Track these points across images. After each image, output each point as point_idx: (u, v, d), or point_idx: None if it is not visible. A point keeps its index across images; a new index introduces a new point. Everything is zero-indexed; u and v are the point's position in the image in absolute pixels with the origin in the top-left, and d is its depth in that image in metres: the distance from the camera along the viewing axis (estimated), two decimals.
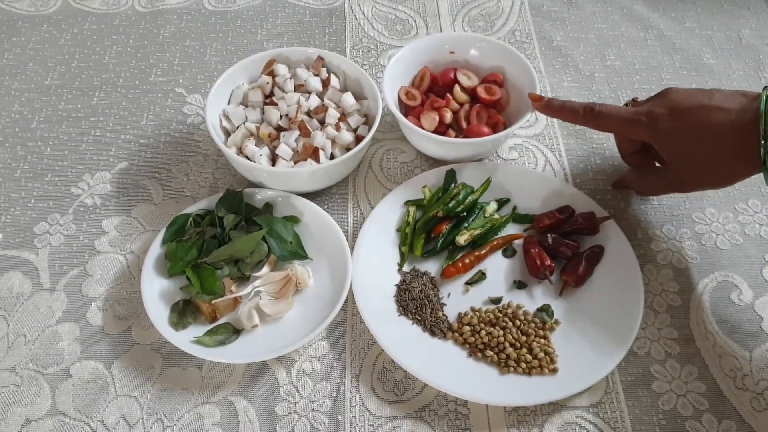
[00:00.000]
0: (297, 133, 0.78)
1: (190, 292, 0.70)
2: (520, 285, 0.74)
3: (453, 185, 0.79)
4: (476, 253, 0.75)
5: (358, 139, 0.79)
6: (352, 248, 0.73)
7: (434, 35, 0.98)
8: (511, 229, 0.78)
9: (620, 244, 0.73)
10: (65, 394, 0.66)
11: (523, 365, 0.66)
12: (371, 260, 0.73)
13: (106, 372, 0.68)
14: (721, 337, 0.71)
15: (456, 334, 0.69)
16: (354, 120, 0.80)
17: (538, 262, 0.72)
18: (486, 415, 0.65)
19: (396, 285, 0.73)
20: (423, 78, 0.86)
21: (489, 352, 0.67)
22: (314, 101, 0.81)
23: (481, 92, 0.84)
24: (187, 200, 0.81)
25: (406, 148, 0.87)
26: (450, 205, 0.76)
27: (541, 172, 0.84)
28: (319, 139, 0.76)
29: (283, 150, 0.76)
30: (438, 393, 0.66)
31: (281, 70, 0.83)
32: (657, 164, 0.75)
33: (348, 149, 0.78)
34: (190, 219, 0.74)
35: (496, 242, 0.76)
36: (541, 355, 0.67)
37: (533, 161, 0.86)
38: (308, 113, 0.80)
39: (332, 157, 0.78)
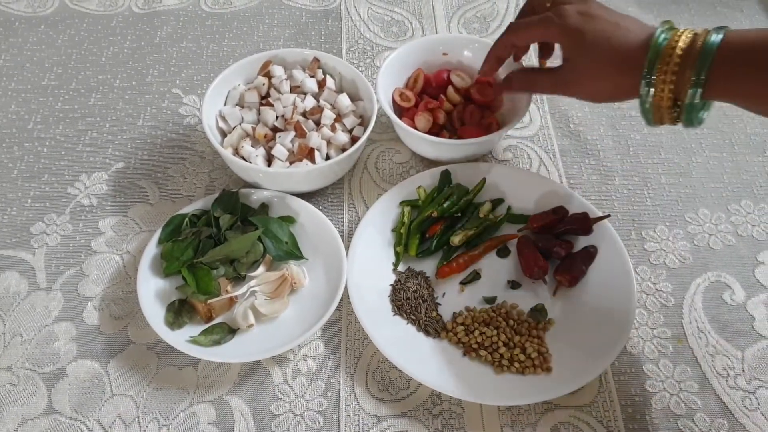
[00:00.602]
0: (293, 133, 0.78)
1: (185, 292, 0.70)
2: (514, 285, 0.74)
3: (448, 186, 0.80)
4: (471, 254, 0.75)
5: (354, 140, 0.80)
6: (347, 248, 0.73)
7: (427, 37, 0.98)
8: (506, 229, 0.79)
9: (614, 244, 0.74)
10: (61, 393, 0.66)
11: (517, 365, 0.67)
12: (366, 260, 0.73)
13: (102, 371, 0.68)
14: (714, 336, 0.71)
15: (450, 334, 0.69)
16: (349, 121, 0.81)
17: (532, 262, 0.72)
18: (480, 414, 0.66)
19: (391, 285, 0.73)
20: (416, 79, 0.86)
21: (483, 352, 0.68)
22: (310, 102, 0.81)
23: (474, 93, 0.84)
24: (184, 200, 0.81)
25: (401, 149, 0.87)
26: (445, 205, 0.76)
27: (536, 173, 0.84)
28: (315, 139, 0.77)
29: (279, 151, 0.76)
30: (432, 392, 0.67)
31: (277, 71, 0.83)
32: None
33: (343, 150, 0.79)
34: (186, 219, 0.74)
35: (490, 242, 0.77)
36: (535, 354, 0.67)
37: (527, 162, 0.86)
38: (304, 114, 0.80)
39: (328, 157, 0.79)
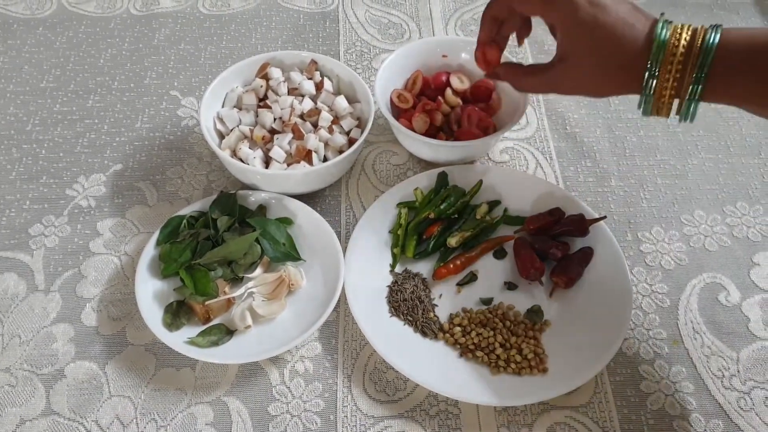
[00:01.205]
0: (290, 135, 0.78)
1: (183, 294, 0.70)
2: (510, 286, 0.74)
3: (445, 187, 0.80)
4: (467, 255, 0.75)
5: (351, 142, 0.80)
6: (344, 250, 0.73)
7: (426, 39, 0.98)
8: (502, 231, 0.79)
9: (610, 245, 0.74)
10: (60, 394, 0.67)
11: (513, 366, 0.67)
12: (364, 261, 0.74)
13: (101, 372, 0.68)
14: (709, 337, 0.72)
15: (447, 335, 0.70)
16: (347, 123, 0.81)
17: (529, 263, 0.73)
18: (476, 415, 0.66)
19: (388, 286, 0.74)
20: (415, 81, 0.87)
21: (479, 353, 0.68)
22: (307, 104, 0.81)
23: (472, 95, 0.85)
24: (181, 202, 0.82)
25: (399, 150, 0.87)
26: (442, 207, 0.77)
27: (532, 175, 0.85)
28: (312, 141, 0.77)
29: (277, 152, 0.77)
30: (429, 393, 0.67)
31: (275, 73, 0.84)
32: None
33: (341, 152, 0.79)
34: (184, 221, 0.75)
35: (487, 244, 0.77)
36: (531, 355, 0.67)
37: (524, 164, 0.87)
38: (301, 116, 0.81)
39: (325, 159, 0.79)
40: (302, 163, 0.76)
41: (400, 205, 0.79)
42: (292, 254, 0.74)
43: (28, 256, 0.77)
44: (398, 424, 0.65)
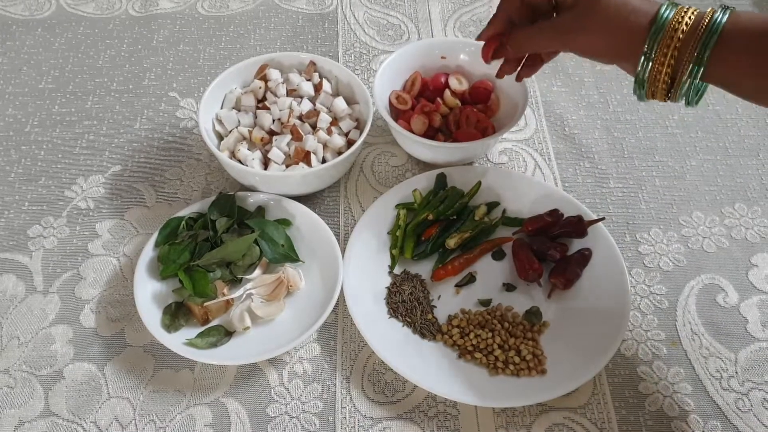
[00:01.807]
0: (289, 137, 0.78)
1: (182, 295, 0.70)
2: (509, 287, 0.74)
3: (443, 189, 0.80)
4: (466, 256, 0.76)
5: (350, 143, 0.80)
6: (343, 251, 0.74)
7: (425, 40, 0.98)
8: (501, 232, 0.79)
9: (608, 247, 0.74)
10: (58, 395, 0.67)
11: (512, 367, 0.67)
12: (362, 263, 0.74)
13: (99, 374, 0.68)
14: (707, 338, 0.72)
15: (446, 336, 0.70)
16: (346, 124, 0.81)
17: (527, 264, 0.73)
18: (475, 416, 0.66)
19: (387, 287, 0.74)
20: (414, 82, 0.87)
21: (478, 354, 0.68)
22: (306, 105, 0.82)
23: (471, 96, 0.85)
24: (180, 203, 0.82)
25: (397, 151, 0.88)
26: (440, 208, 0.77)
27: (531, 176, 0.85)
28: (311, 143, 0.77)
29: (275, 154, 0.77)
30: (428, 394, 0.67)
31: (274, 74, 0.84)
32: None
33: (339, 153, 0.79)
34: (183, 222, 0.75)
35: (485, 245, 0.77)
36: (530, 356, 0.67)
37: (523, 165, 0.87)
38: (300, 117, 0.81)
39: (324, 160, 0.79)
40: (301, 164, 0.76)
41: (398, 206, 0.79)
42: (290, 255, 0.74)
43: (26, 257, 0.77)
44: (397, 426, 0.65)
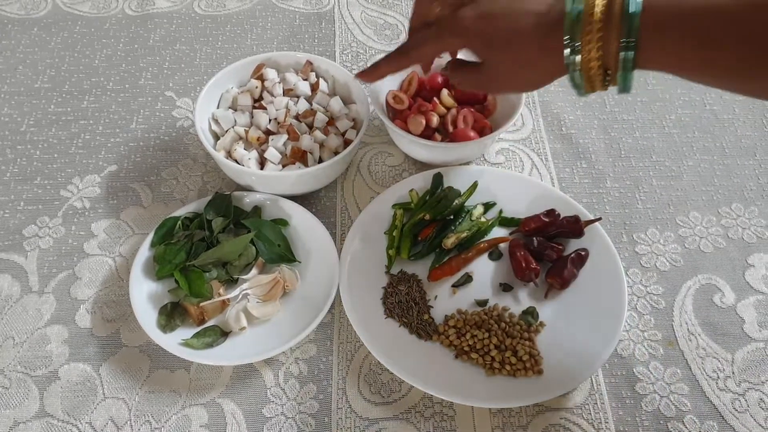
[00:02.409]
0: (285, 136, 0.78)
1: (178, 295, 0.70)
2: (506, 287, 0.74)
3: (440, 189, 0.80)
4: (463, 256, 0.75)
5: (347, 143, 0.80)
6: (339, 251, 0.73)
7: None
8: (498, 232, 0.79)
9: (605, 247, 0.74)
10: (53, 396, 0.66)
11: (508, 367, 0.67)
12: (359, 263, 0.74)
13: (95, 374, 0.68)
14: (704, 339, 0.72)
15: (442, 337, 0.70)
16: (342, 124, 0.81)
17: (524, 264, 0.73)
18: (471, 417, 0.66)
19: (383, 287, 0.74)
20: (411, 82, 0.86)
21: (474, 355, 0.68)
22: (303, 105, 0.81)
23: (468, 97, 0.84)
24: (176, 203, 0.81)
25: (394, 151, 0.87)
26: (437, 208, 0.77)
27: (527, 176, 0.85)
28: (308, 142, 0.77)
29: (272, 153, 0.77)
30: (424, 395, 0.67)
31: (270, 74, 0.84)
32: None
33: (336, 153, 0.79)
34: (179, 222, 0.75)
35: (482, 245, 0.77)
36: (526, 357, 0.67)
37: (519, 165, 0.87)
38: (297, 117, 0.81)
39: (320, 160, 0.79)
40: (297, 164, 0.76)
41: (395, 206, 0.79)
42: (287, 255, 0.74)
43: (22, 257, 0.77)
44: (393, 426, 0.65)
